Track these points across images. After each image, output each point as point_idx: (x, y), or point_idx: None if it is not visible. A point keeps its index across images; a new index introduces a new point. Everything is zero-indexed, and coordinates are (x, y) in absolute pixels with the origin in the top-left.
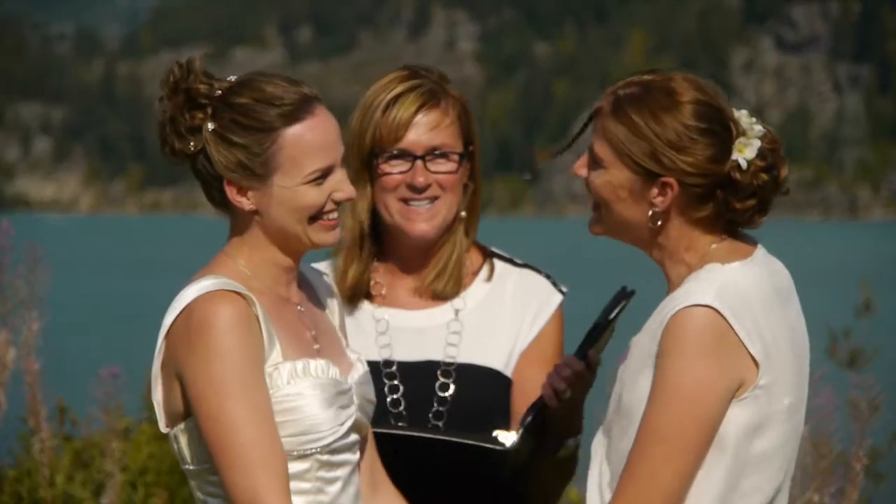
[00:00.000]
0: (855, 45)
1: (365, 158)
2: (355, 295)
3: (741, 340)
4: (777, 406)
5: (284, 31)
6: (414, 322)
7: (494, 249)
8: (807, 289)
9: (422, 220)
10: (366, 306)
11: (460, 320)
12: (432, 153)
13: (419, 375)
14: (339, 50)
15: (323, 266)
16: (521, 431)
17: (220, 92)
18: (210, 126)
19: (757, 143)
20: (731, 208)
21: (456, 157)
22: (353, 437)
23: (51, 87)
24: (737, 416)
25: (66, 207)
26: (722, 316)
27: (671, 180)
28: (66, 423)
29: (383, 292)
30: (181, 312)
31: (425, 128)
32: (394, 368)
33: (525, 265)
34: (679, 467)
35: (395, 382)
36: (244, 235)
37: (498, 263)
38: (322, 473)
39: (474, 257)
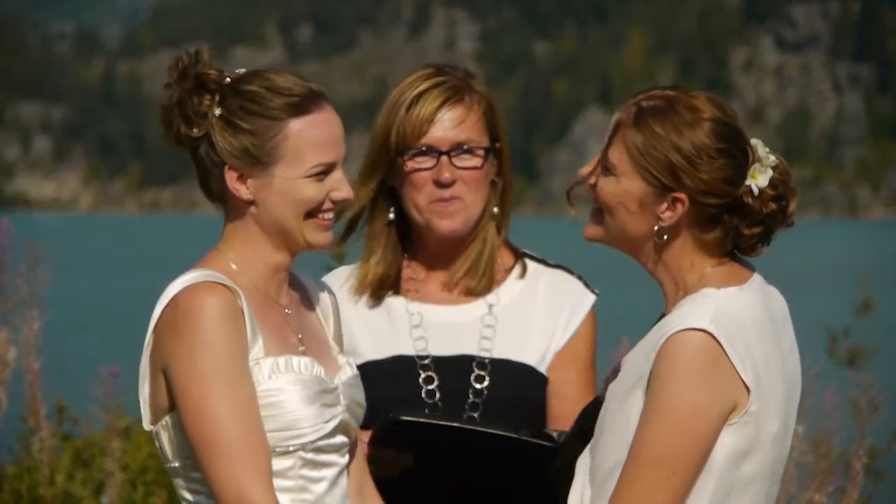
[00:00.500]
0: (855, 44)
1: (390, 156)
2: (381, 289)
3: (734, 366)
4: (765, 432)
5: (284, 30)
6: (447, 317)
7: (525, 250)
8: (806, 288)
9: (449, 216)
10: (399, 301)
11: (494, 315)
12: (457, 149)
13: (454, 369)
14: (338, 49)
15: (347, 269)
16: (571, 429)
17: (229, 79)
18: (217, 111)
19: (770, 173)
20: (738, 234)
21: (481, 153)
22: (341, 438)
23: (51, 87)
24: (725, 441)
25: (66, 206)
26: (716, 340)
27: (683, 196)
28: (67, 421)
29: (416, 288)
30: (168, 304)
31: (450, 123)
32: (428, 361)
33: (557, 265)
34: (671, 491)
35: (430, 374)
36: (237, 228)
37: (530, 263)
38: (306, 472)
39: (506, 256)
